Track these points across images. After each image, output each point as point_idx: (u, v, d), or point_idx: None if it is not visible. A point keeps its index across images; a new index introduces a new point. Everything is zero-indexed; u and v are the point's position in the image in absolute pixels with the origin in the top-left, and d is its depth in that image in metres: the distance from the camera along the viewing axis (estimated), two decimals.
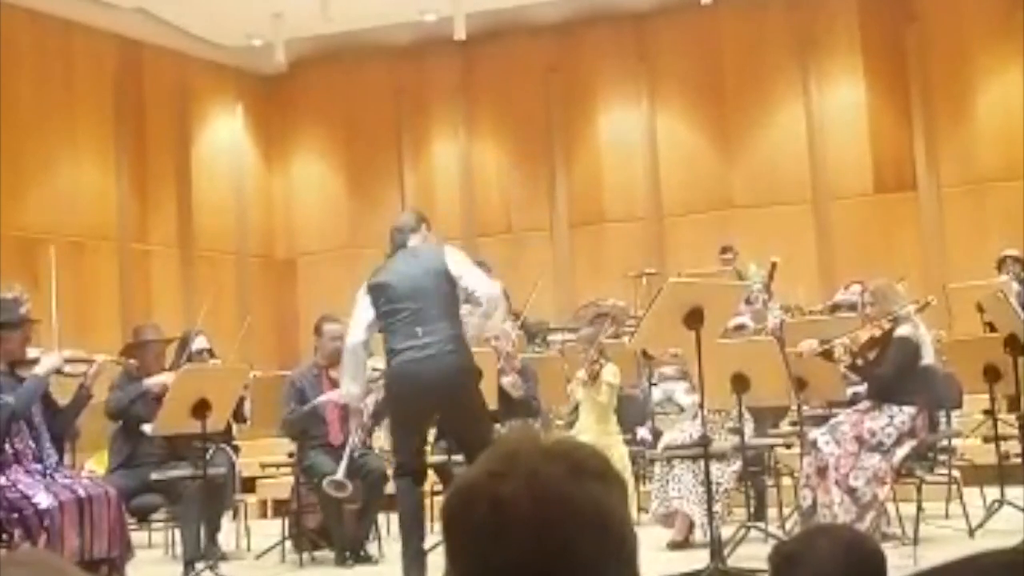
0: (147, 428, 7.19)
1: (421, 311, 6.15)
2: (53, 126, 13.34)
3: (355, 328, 6.43)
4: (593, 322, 8.76)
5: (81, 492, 5.87)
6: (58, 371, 6.34)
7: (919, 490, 6.96)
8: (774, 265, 11.08)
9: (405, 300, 6.20)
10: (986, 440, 8.38)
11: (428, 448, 7.13)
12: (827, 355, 7.17)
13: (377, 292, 6.32)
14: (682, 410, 9.14)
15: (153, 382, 7.31)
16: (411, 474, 6.24)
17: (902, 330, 6.94)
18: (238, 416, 8.22)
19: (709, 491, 6.35)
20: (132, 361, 7.35)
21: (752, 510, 7.80)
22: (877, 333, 6.97)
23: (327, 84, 16.07)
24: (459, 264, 6.32)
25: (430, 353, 6.10)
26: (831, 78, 14.75)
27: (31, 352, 6.30)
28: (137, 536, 7.21)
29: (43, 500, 5.71)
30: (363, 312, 6.38)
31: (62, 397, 6.47)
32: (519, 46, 15.46)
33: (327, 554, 7.62)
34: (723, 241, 12.88)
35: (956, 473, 7.49)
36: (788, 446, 8.40)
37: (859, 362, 7.05)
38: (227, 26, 14.74)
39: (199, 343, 8.32)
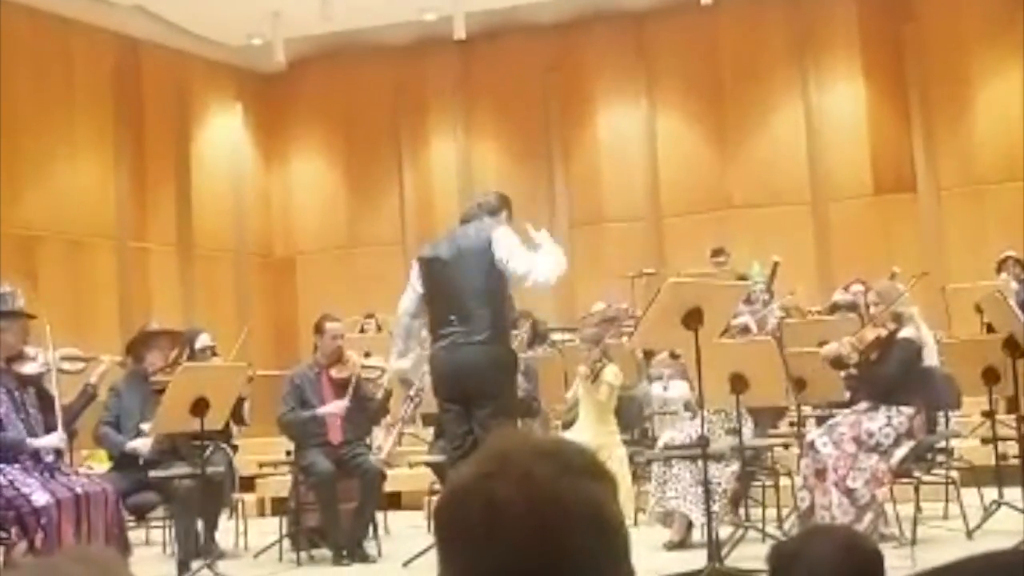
0: (145, 428, 7.18)
1: (455, 297, 6.11)
2: (52, 124, 13.32)
3: (405, 299, 6.42)
4: (600, 324, 8.76)
5: (79, 490, 5.86)
6: (58, 369, 6.34)
7: (917, 491, 6.96)
8: (776, 265, 11.07)
9: (442, 283, 6.19)
10: (984, 441, 8.37)
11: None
12: (837, 364, 7.17)
13: (421, 268, 6.32)
14: (664, 388, 9.13)
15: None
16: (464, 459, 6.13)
17: (905, 332, 6.95)
18: (237, 418, 8.22)
19: (707, 491, 6.34)
20: (144, 364, 7.37)
21: (747, 509, 7.80)
22: (883, 333, 6.97)
23: (326, 83, 16.06)
24: (505, 247, 6.06)
25: (457, 342, 6.04)
26: (830, 78, 14.74)
27: (28, 351, 6.30)
28: (135, 534, 7.20)
29: (40, 498, 5.71)
30: (413, 283, 6.38)
31: (64, 396, 6.46)
32: (518, 45, 15.45)
33: (325, 553, 7.62)
34: (721, 242, 12.86)
35: (954, 474, 7.50)
36: (786, 446, 8.39)
37: (862, 360, 7.05)
38: (226, 25, 14.73)
39: (203, 341, 8.31)
